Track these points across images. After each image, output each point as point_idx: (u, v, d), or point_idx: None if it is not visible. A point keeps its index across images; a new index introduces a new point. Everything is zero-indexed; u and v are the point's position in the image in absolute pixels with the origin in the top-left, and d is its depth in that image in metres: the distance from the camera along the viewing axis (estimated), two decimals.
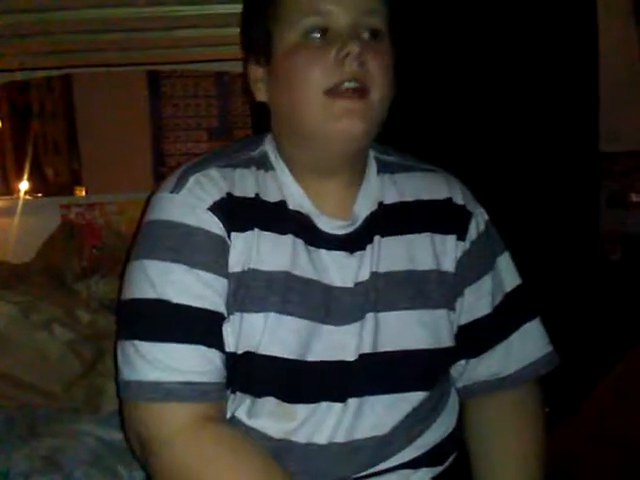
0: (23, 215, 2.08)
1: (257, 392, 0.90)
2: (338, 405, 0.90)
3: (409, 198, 1.00)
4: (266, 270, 0.90)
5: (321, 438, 0.90)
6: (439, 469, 0.97)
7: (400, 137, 1.11)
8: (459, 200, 1.02)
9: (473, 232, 1.01)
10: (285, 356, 0.89)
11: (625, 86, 2.26)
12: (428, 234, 0.99)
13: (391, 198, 1.00)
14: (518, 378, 1.01)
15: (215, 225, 0.89)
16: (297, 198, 0.95)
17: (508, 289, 1.02)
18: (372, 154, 1.02)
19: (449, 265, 0.99)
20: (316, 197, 0.95)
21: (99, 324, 1.43)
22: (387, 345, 0.93)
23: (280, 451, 0.89)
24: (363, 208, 0.98)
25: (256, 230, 0.91)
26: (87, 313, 1.45)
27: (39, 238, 1.89)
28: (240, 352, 0.89)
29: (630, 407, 1.55)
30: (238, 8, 1.03)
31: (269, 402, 0.90)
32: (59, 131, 4.29)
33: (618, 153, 2.37)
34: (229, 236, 0.90)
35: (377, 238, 0.96)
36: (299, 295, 0.90)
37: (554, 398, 1.21)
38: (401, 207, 1.00)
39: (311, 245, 0.93)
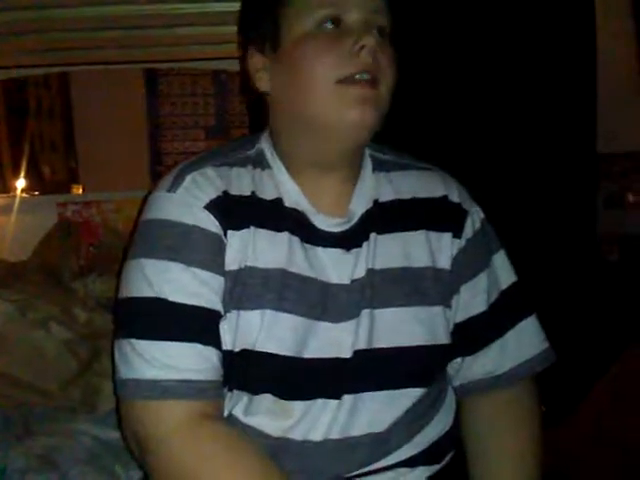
0: (20, 213, 2.07)
1: (254, 389, 0.90)
2: (333, 402, 0.91)
3: (405, 196, 1.00)
4: (262, 267, 0.90)
5: (316, 435, 0.90)
6: (436, 467, 0.97)
7: (397, 136, 1.11)
8: (455, 198, 1.02)
9: (469, 230, 1.02)
10: (282, 353, 0.89)
11: (623, 87, 2.27)
12: (424, 231, 0.99)
13: (387, 196, 1.00)
14: (514, 376, 1.01)
15: (211, 223, 0.89)
16: (293, 196, 0.95)
17: (504, 286, 1.02)
18: (368, 152, 1.02)
19: (445, 262, 0.99)
20: (312, 195, 0.95)
21: (96, 323, 1.43)
22: (382, 342, 0.93)
23: (277, 449, 0.89)
24: (359, 206, 0.98)
25: (252, 228, 0.91)
26: (84, 311, 1.45)
27: (36, 236, 1.89)
28: (237, 350, 0.89)
29: (627, 408, 1.55)
30: (236, 6, 1.03)
31: (266, 399, 0.90)
32: (56, 129, 4.29)
33: (616, 154, 2.38)
34: (225, 234, 0.90)
35: (373, 235, 0.96)
36: (295, 292, 0.90)
37: (551, 398, 1.21)
38: (397, 205, 1.00)
39: (307, 242, 0.93)
